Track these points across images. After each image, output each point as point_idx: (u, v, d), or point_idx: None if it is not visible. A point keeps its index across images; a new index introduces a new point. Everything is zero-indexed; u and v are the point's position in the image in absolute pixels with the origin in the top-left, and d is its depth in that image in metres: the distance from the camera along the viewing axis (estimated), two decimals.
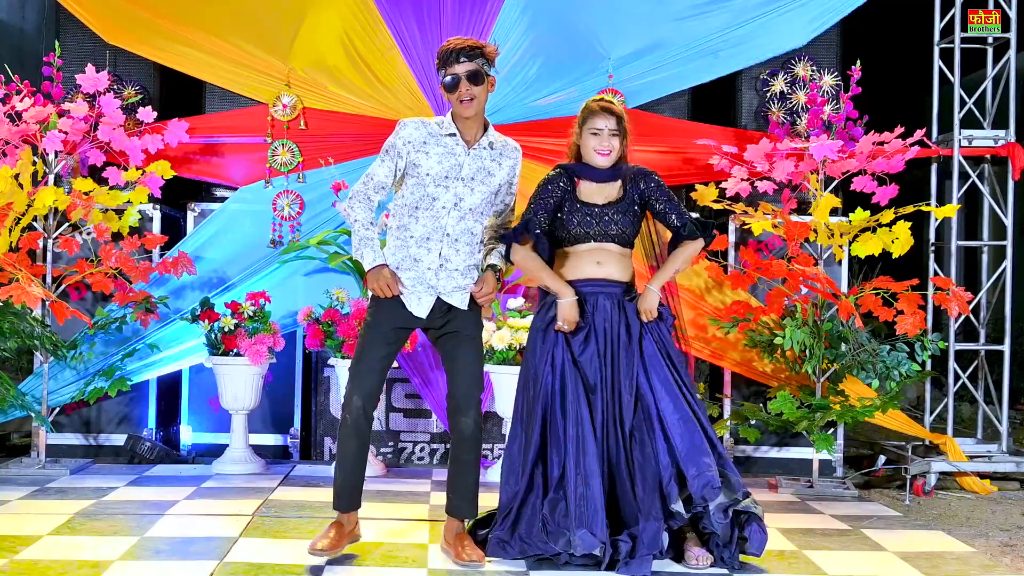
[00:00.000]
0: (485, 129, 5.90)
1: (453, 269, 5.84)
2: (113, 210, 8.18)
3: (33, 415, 8.06)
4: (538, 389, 6.00)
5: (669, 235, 6.22)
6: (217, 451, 8.61)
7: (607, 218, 6.02)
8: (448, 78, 5.74)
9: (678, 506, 5.75)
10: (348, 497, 5.92)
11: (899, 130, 8.08)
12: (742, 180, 8.31)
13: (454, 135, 5.82)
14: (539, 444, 5.95)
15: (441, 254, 5.81)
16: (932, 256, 8.79)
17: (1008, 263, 8.72)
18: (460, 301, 5.88)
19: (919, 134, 8.08)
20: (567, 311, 5.96)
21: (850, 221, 7.80)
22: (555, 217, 6.08)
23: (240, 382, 8.30)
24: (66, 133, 8.16)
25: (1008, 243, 8.75)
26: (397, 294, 5.80)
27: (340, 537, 5.85)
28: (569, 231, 6.05)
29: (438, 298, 5.85)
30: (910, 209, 7.84)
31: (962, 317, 8.63)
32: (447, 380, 6.00)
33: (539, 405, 5.98)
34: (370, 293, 5.92)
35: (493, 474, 7.98)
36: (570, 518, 5.69)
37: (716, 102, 9.30)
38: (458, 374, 5.91)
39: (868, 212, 7.79)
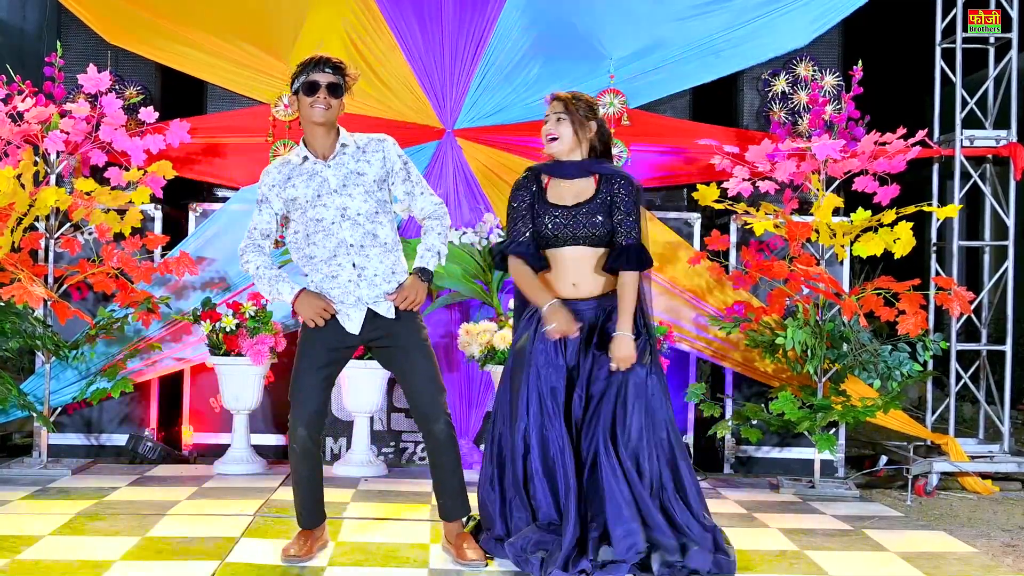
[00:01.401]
0: (338, 135, 5.84)
1: (372, 275, 5.78)
2: (115, 210, 8.15)
3: (35, 415, 8.06)
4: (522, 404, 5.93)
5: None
6: (219, 451, 8.61)
7: (578, 219, 5.88)
8: (307, 82, 5.72)
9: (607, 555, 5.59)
10: (310, 515, 6.01)
11: (901, 130, 8.06)
12: (744, 180, 8.29)
13: (307, 157, 5.79)
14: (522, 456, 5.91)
15: (355, 264, 5.76)
16: (934, 256, 8.78)
17: (1010, 263, 8.71)
18: (387, 310, 5.83)
19: (921, 134, 8.06)
20: (549, 317, 5.83)
21: (852, 221, 7.75)
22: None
23: (241, 382, 8.30)
24: (68, 133, 8.16)
25: (1010, 243, 8.74)
26: (333, 315, 5.80)
27: (312, 544, 5.95)
28: (540, 233, 5.95)
29: (368, 309, 5.83)
30: (912, 209, 7.81)
31: (964, 317, 8.61)
32: (405, 392, 5.99)
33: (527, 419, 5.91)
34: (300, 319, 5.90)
35: None
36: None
37: (717, 102, 9.29)
38: (417, 385, 5.88)
39: (870, 212, 7.74)
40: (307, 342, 5.87)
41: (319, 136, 5.77)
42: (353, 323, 5.82)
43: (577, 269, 5.94)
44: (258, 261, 5.89)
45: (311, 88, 5.69)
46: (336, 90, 5.72)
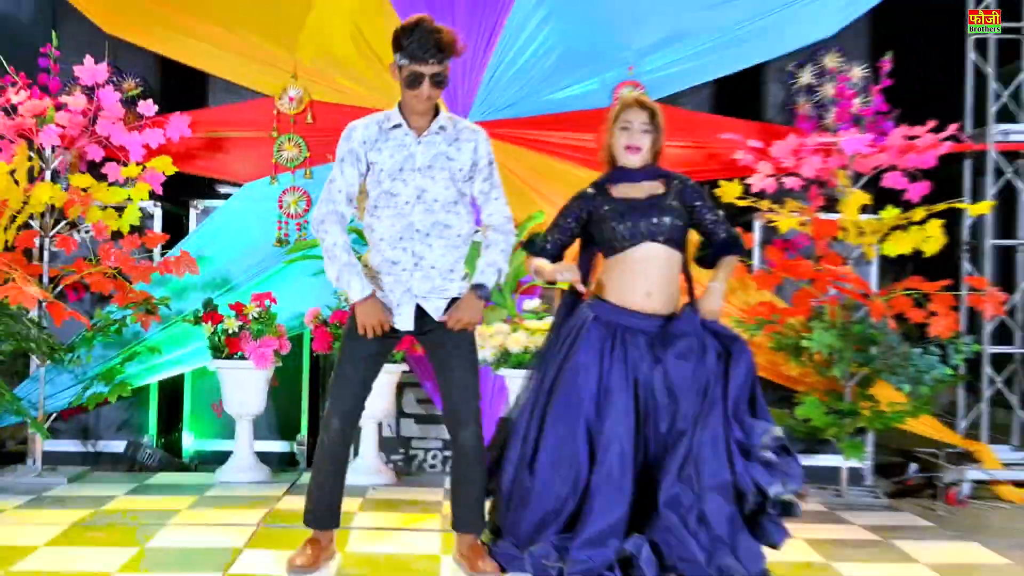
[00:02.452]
0: (436, 114, 5.65)
1: (429, 267, 5.62)
2: (112, 207, 8.12)
3: (29, 421, 7.98)
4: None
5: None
6: (221, 458, 8.48)
7: (653, 210, 5.76)
8: (410, 71, 5.45)
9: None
10: (323, 515, 5.85)
11: (931, 124, 7.94)
12: (768, 176, 8.19)
13: (400, 126, 5.60)
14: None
15: (414, 252, 5.60)
16: (966, 256, 8.69)
17: None
18: (435, 309, 5.66)
19: (952, 128, 7.93)
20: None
21: (881, 219, 7.70)
22: (587, 229, 5.94)
23: (245, 386, 8.19)
24: (63, 127, 8.12)
25: None
26: (388, 329, 5.62)
27: (317, 554, 5.78)
28: (615, 231, 5.78)
29: (417, 304, 5.66)
30: (943, 206, 7.74)
31: (997, 319, 8.53)
32: (441, 394, 5.83)
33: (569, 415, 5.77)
34: (349, 303, 5.75)
35: None
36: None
37: (740, 95, 9.15)
38: (453, 387, 5.73)
39: (899, 209, 7.71)
40: (355, 330, 5.66)
41: (417, 110, 5.58)
42: (404, 319, 5.66)
43: (649, 274, 5.78)
44: (337, 236, 5.57)
45: (414, 80, 5.45)
46: (440, 82, 5.50)
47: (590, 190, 5.94)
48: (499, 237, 5.75)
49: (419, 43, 5.45)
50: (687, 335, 5.70)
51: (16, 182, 7.70)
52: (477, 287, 5.64)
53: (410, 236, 5.59)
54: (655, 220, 5.74)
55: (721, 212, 5.99)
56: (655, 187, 5.86)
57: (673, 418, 5.63)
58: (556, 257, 6.00)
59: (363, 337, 5.63)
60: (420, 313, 5.68)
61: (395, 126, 5.60)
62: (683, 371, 5.64)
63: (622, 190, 5.86)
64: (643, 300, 5.76)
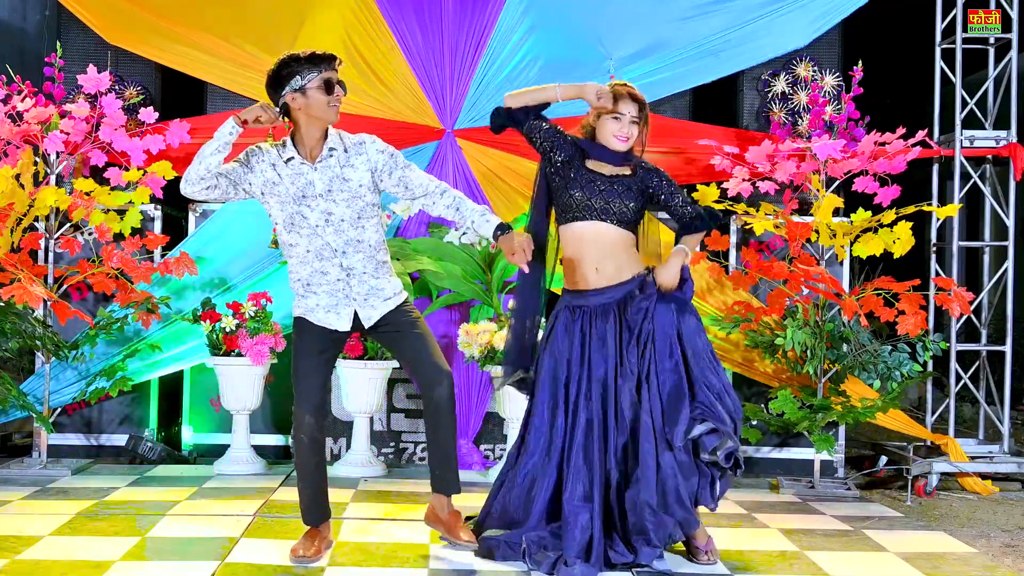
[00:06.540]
0: (326, 137, 5.68)
1: (362, 273, 5.74)
2: (115, 210, 8.13)
3: (34, 416, 8.05)
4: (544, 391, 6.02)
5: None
6: (218, 451, 8.59)
7: (612, 190, 5.90)
8: (325, 80, 5.54)
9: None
10: (318, 512, 5.97)
11: (901, 130, 8.04)
12: (743, 180, 8.26)
13: (293, 158, 5.64)
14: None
15: (342, 265, 5.70)
16: (934, 256, 8.79)
17: (1010, 263, 8.71)
18: (367, 318, 5.78)
19: (921, 135, 8.04)
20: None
21: (852, 222, 7.75)
22: (556, 176, 6.03)
23: (242, 382, 8.28)
24: (67, 134, 8.14)
25: (1010, 243, 8.75)
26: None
27: (320, 544, 5.91)
28: (572, 195, 5.92)
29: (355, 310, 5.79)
30: (912, 209, 7.79)
31: (964, 317, 8.63)
32: (406, 364, 5.96)
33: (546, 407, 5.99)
34: (294, 312, 5.87)
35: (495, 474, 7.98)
36: (565, 544, 5.69)
37: (717, 103, 9.29)
38: (415, 352, 5.79)
39: (870, 213, 7.74)
40: (302, 333, 5.81)
41: (314, 135, 5.63)
42: (343, 320, 5.78)
43: (600, 250, 5.93)
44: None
45: (329, 86, 5.53)
46: (344, 88, 5.62)
47: (571, 140, 6.05)
48: (452, 194, 5.81)
49: (325, 58, 5.58)
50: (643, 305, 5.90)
51: (22, 186, 7.67)
52: (500, 228, 5.70)
53: (330, 255, 5.68)
54: (611, 199, 5.89)
55: (683, 191, 6.13)
56: (622, 169, 6.00)
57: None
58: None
59: (313, 337, 5.76)
60: (357, 315, 5.81)
61: (288, 159, 5.64)
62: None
63: (595, 164, 6.00)
64: (593, 276, 5.93)
